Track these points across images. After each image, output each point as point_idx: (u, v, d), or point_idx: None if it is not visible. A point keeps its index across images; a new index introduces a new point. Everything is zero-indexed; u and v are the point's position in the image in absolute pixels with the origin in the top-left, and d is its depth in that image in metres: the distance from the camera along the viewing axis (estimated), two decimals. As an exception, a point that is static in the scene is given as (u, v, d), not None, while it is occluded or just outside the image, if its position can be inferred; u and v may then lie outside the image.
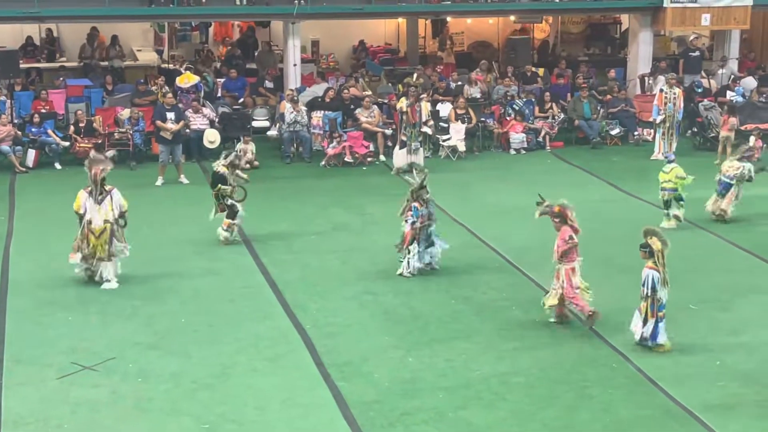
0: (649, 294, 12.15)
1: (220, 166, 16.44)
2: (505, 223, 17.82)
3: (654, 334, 12.26)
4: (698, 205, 18.22)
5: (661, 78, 24.29)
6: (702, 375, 11.66)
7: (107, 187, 14.56)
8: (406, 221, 14.95)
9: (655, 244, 12.24)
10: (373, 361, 12.13)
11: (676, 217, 17.35)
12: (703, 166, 21.71)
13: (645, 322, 12.25)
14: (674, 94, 22.19)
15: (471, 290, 14.54)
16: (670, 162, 17.64)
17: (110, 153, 15.14)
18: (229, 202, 16.40)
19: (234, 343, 12.65)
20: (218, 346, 12.59)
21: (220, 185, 16.32)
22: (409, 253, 14.97)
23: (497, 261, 15.88)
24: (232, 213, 16.44)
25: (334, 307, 13.89)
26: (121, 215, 14.63)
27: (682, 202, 17.38)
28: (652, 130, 23.19)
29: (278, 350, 12.50)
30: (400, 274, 14.98)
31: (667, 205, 17.42)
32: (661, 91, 22.44)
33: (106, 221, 14.44)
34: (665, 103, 22.10)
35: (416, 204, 15.01)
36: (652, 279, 12.11)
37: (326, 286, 14.70)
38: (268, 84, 25.12)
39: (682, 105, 22.39)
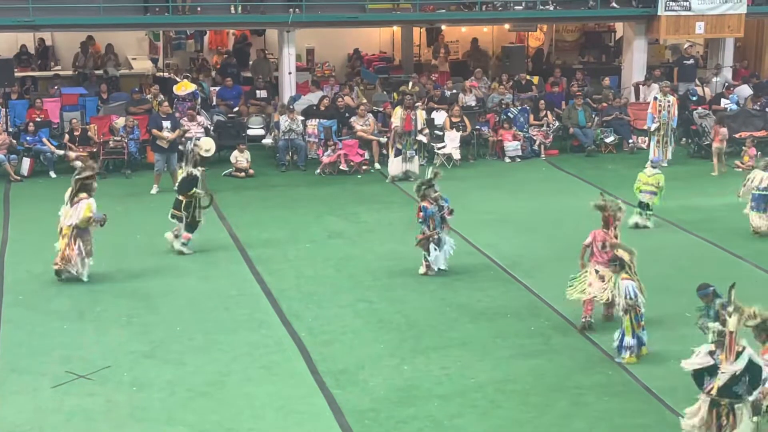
0: (632, 304, 12.15)
1: (187, 169, 16.40)
2: (499, 230, 17.84)
3: (641, 342, 12.29)
4: (693, 212, 18.26)
5: (655, 86, 24.34)
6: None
7: (82, 195, 14.88)
8: (420, 222, 15.20)
9: (624, 255, 12.31)
10: (368, 369, 12.13)
11: (636, 225, 17.48)
12: (697, 174, 21.87)
13: (633, 335, 12.24)
14: (668, 102, 22.24)
15: (466, 298, 14.54)
16: (654, 167, 18.03)
17: (78, 163, 15.52)
18: (198, 211, 16.38)
19: (229, 352, 12.64)
20: (213, 354, 12.58)
21: (195, 188, 16.27)
22: (429, 252, 15.29)
23: (492, 268, 15.88)
24: (193, 226, 16.38)
25: (329, 315, 13.88)
26: (87, 222, 14.78)
27: (649, 212, 17.58)
28: (646, 138, 23.22)
29: (273, 358, 12.49)
30: (424, 274, 15.27)
31: (641, 205, 17.61)
32: (656, 99, 22.48)
33: (69, 225, 14.82)
34: (660, 111, 22.14)
35: (425, 203, 15.09)
36: (632, 289, 12.14)
37: (321, 294, 14.70)
38: (261, 94, 25.09)
39: (676, 113, 22.46)
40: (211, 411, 11.09)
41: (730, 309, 9.55)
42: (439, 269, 15.34)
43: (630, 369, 12.11)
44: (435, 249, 15.25)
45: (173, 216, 16.38)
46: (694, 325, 11.88)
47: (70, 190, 15.06)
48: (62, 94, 24.20)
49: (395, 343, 12.94)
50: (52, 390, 11.57)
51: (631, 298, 12.11)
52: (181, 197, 16.30)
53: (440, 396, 11.44)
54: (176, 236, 16.40)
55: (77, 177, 15.04)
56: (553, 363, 12.34)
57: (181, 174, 16.60)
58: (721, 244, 17.05)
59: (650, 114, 22.29)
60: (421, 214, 15.15)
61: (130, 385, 11.71)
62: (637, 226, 17.58)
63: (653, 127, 22.23)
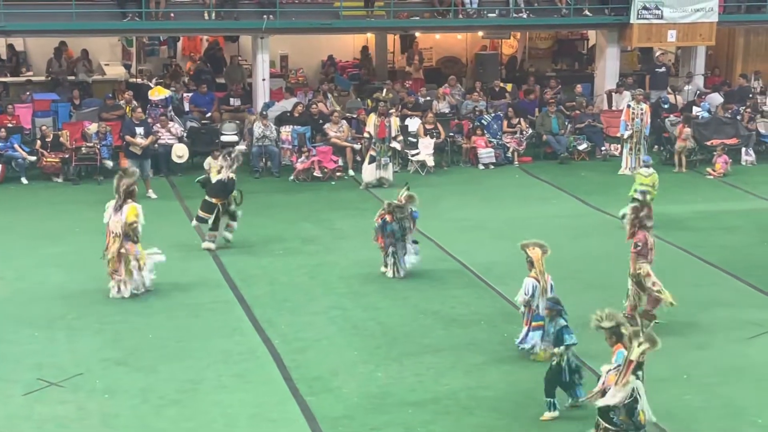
0: (525, 301, 12.44)
1: (228, 173, 16.65)
2: (473, 237, 17.88)
3: (524, 340, 12.53)
4: (665, 219, 18.35)
5: (627, 93, 24.50)
6: (668, 389, 11.72)
7: (129, 201, 14.66)
8: (375, 227, 15.46)
9: (535, 254, 12.44)
10: (342, 376, 12.13)
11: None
12: (669, 181, 21.96)
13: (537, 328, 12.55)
14: (641, 109, 22.40)
15: (439, 304, 14.57)
16: (648, 167, 18.25)
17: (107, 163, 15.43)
18: (233, 207, 16.82)
19: (202, 359, 12.60)
20: (186, 361, 12.54)
21: (234, 191, 16.72)
22: (389, 256, 15.48)
23: (465, 275, 15.92)
24: (233, 215, 16.94)
25: (302, 322, 13.86)
26: (130, 227, 14.52)
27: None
28: (619, 145, 23.37)
29: (247, 366, 12.46)
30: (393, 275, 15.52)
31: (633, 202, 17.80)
32: (629, 106, 22.64)
33: (116, 234, 14.50)
34: (632, 119, 22.29)
35: (387, 217, 15.19)
36: (531, 287, 12.39)
37: (295, 301, 14.68)
38: (235, 102, 25.04)
39: (649, 120, 22.62)
40: (184, 418, 11.05)
41: (641, 338, 9.51)
42: (397, 275, 15.51)
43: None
44: (395, 255, 15.45)
45: (200, 219, 16.80)
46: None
47: (115, 199, 14.68)
48: (34, 99, 24.05)
49: (369, 350, 12.95)
50: (24, 397, 11.48)
51: (526, 295, 12.39)
52: (215, 200, 16.60)
53: (414, 403, 11.45)
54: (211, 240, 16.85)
55: (123, 187, 14.63)
56: (526, 369, 12.36)
57: (215, 176, 16.77)
58: (693, 250, 17.16)
59: (623, 121, 22.44)
60: (379, 220, 15.32)
61: (102, 392, 11.64)
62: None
63: (626, 134, 22.38)
